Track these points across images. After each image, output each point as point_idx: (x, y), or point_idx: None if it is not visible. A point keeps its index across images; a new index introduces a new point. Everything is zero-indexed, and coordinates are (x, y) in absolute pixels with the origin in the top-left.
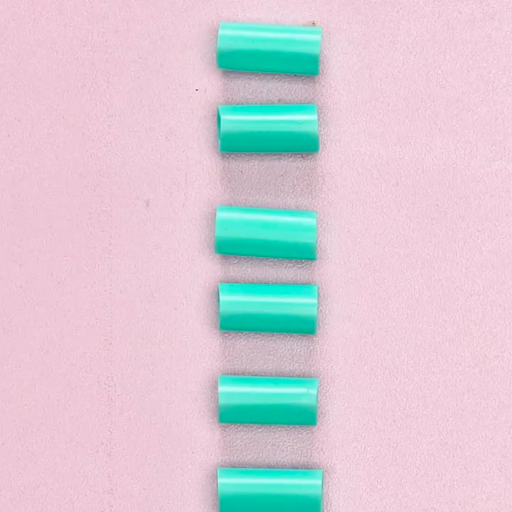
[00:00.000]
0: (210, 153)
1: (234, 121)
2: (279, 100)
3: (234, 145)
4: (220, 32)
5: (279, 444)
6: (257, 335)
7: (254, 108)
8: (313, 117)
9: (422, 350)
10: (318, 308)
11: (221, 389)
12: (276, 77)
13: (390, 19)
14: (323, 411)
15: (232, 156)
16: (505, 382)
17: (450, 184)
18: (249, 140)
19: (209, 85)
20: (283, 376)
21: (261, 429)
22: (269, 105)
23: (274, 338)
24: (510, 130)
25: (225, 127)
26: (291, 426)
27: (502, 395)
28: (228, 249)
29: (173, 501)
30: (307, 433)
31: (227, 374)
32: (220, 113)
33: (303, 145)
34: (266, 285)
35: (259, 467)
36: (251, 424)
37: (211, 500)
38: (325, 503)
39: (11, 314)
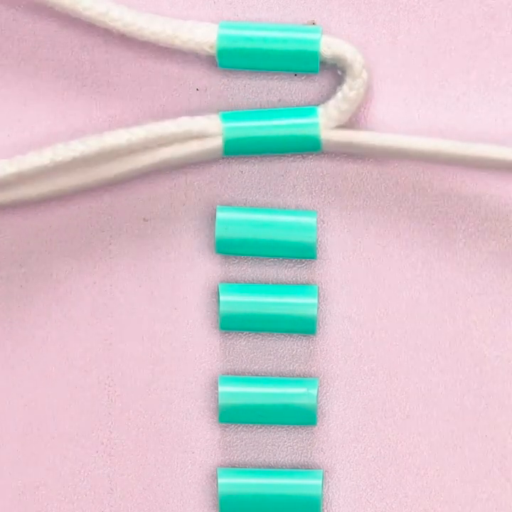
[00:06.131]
0: None
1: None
2: (280, 100)
3: (234, 148)
4: (220, 32)
5: (279, 444)
6: (257, 335)
7: (254, 113)
8: (315, 120)
9: (422, 350)
10: (318, 308)
11: (221, 389)
12: (276, 77)
13: (390, 19)
14: (323, 411)
15: (232, 156)
16: (505, 382)
17: (450, 184)
18: (249, 144)
19: (209, 85)
20: (283, 376)
21: (261, 429)
22: (269, 109)
23: (274, 338)
24: (510, 130)
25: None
26: (291, 426)
27: (502, 395)
28: (228, 249)
29: (173, 501)
30: (307, 433)
31: (227, 374)
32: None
33: (303, 146)
34: (266, 285)
35: (259, 467)
36: (251, 424)
37: (211, 500)
38: (325, 503)
39: (11, 314)
